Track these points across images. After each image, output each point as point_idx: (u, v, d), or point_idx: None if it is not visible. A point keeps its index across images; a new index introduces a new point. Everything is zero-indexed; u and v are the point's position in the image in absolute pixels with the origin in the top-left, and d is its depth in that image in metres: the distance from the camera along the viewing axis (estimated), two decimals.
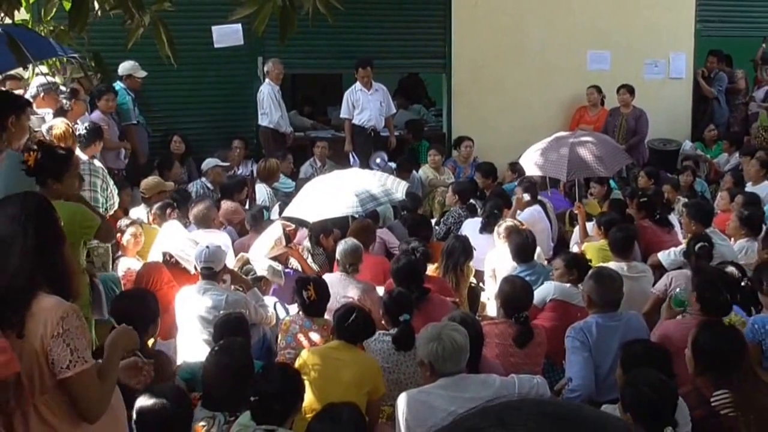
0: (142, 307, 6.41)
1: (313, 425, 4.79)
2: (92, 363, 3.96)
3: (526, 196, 11.28)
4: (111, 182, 8.32)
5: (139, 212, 10.39)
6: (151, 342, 6.96)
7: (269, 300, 8.46)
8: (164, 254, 8.72)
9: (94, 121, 9.85)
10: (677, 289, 7.51)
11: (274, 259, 9.13)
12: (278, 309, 8.51)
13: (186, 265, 8.39)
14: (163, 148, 14.00)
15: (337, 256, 8.61)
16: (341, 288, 8.17)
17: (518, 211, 11.02)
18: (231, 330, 6.87)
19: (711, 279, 6.79)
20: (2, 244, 3.89)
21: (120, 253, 8.93)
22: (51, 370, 3.84)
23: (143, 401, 4.90)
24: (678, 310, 7.44)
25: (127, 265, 8.79)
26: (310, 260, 9.77)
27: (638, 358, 5.54)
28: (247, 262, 8.95)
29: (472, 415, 1.21)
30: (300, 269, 9.45)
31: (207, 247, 7.91)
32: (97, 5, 5.53)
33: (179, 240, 8.81)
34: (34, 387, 3.84)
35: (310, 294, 7.26)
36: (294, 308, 8.14)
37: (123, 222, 9.09)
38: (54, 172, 6.31)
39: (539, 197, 11.71)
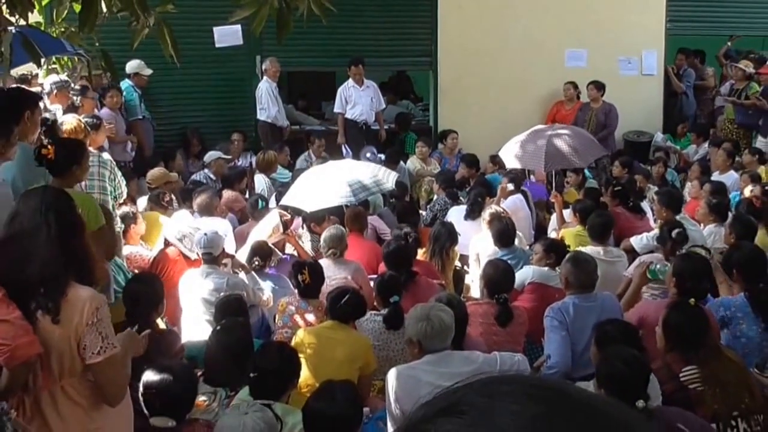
0: (150, 290, 6.46)
1: (311, 404, 4.80)
2: (119, 348, 4.02)
3: (511, 186, 11.33)
4: (119, 173, 8.31)
5: (145, 201, 10.39)
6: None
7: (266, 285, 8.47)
8: (165, 240, 8.75)
9: (92, 114, 9.83)
10: (658, 265, 7.52)
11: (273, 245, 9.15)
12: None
13: (184, 251, 8.40)
14: (169, 141, 14.08)
15: (322, 242, 8.63)
16: (331, 272, 8.19)
17: (502, 199, 11.04)
18: (230, 310, 6.91)
19: (693, 267, 6.79)
20: (27, 235, 3.90)
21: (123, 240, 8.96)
22: (81, 355, 3.89)
23: (150, 376, 4.90)
24: (649, 279, 7.48)
25: (129, 251, 8.82)
26: (307, 246, 9.79)
27: (611, 337, 5.57)
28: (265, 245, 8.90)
29: (460, 388, 1.20)
30: (296, 254, 9.47)
31: (205, 234, 7.93)
32: (104, 7, 5.53)
33: (181, 226, 8.82)
34: (63, 369, 3.90)
35: (304, 277, 7.28)
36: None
37: (122, 212, 9.11)
38: (67, 163, 6.34)
39: (523, 188, 11.78)
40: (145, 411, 4.84)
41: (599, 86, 15.26)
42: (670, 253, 7.90)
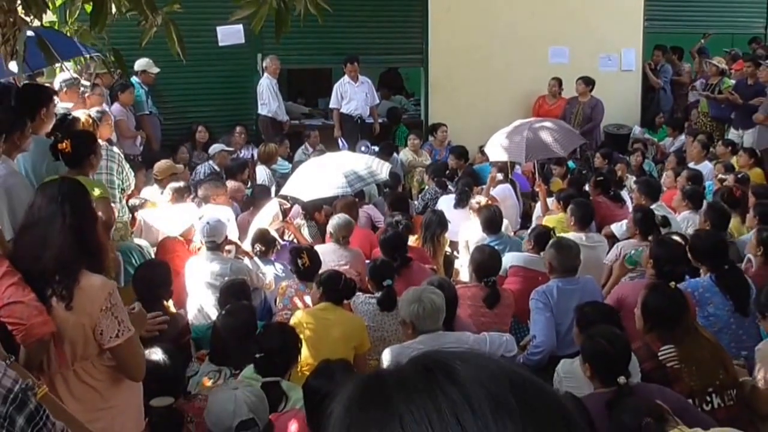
0: (159, 274, 6.47)
1: (310, 382, 4.80)
2: (134, 331, 4.03)
3: (500, 176, 11.37)
4: (127, 166, 8.28)
5: (150, 191, 10.36)
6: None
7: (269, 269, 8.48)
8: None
9: (98, 109, 9.80)
10: (632, 251, 7.57)
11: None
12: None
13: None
14: (176, 135, 14.10)
15: (330, 229, 8.64)
16: (336, 256, 8.25)
17: (491, 188, 11.07)
18: (234, 294, 6.93)
19: (669, 252, 6.83)
20: (43, 224, 3.90)
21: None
22: (97, 340, 3.90)
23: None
24: (629, 268, 7.53)
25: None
26: (306, 233, 9.79)
27: (591, 318, 5.59)
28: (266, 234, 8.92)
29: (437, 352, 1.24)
30: (296, 241, 9.47)
31: (207, 222, 7.94)
32: (114, 8, 5.52)
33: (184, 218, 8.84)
34: (75, 353, 3.90)
35: (304, 261, 7.31)
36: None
37: (135, 201, 9.07)
38: (84, 154, 6.36)
39: (511, 177, 11.84)
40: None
41: (588, 81, 15.32)
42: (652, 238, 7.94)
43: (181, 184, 9.94)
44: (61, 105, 8.78)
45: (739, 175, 10.97)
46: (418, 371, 1.20)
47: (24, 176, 6.01)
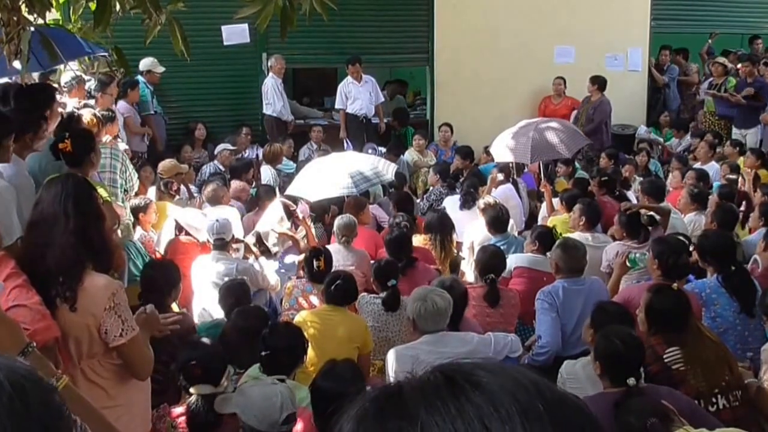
0: (166, 275, 6.45)
1: (318, 382, 4.80)
2: (139, 330, 4.03)
3: (500, 176, 11.34)
4: (130, 166, 8.25)
5: (153, 190, 10.38)
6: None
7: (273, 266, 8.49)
8: (177, 224, 8.74)
9: (107, 108, 9.82)
10: (637, 254, 7.57)
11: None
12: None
13: (196, 234, 8.41)
14: (181, 134, 14.13)
15: (335, 229, 8.65)
16: (341, 257, 8.26)
17: (493, 189, 11.05)
18: (233, 294, 7.00)
19: (670, 246, 6.83)
20: (47, 224, 3.89)
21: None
22: (102, 339, 3.90)
23: (188, 350, 4.98)
24: (628, 267, 7.53)
25: (141, 234, 8.83)
26: (313, 233, 9.79)
27: (609, 317, 5.57)
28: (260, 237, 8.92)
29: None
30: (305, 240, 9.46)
31: (217, 221, 7.95)
32: (118, 6, 5.52)
33: (188, 214, 8.82)
34: (81, 353, 3.90)
35: (320, 264, 7.30)
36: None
37: (139, 201, 9.08)
38: (84, 153, 6.35)
39: (516, 178, 11.82)
40: (184, 383, 4.87)
41: (593, 81, 15.20)
42: (644, 239, 7.97)
43: (166, 182, 10.02)
44: (68, 102, 8.82)
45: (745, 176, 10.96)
46: (439, 379, 1.17)
47: (32, 179, 6.00)
